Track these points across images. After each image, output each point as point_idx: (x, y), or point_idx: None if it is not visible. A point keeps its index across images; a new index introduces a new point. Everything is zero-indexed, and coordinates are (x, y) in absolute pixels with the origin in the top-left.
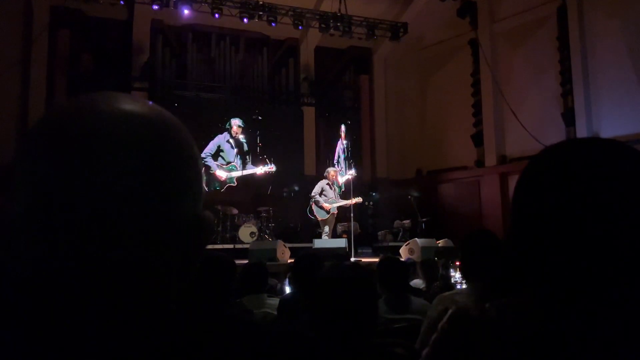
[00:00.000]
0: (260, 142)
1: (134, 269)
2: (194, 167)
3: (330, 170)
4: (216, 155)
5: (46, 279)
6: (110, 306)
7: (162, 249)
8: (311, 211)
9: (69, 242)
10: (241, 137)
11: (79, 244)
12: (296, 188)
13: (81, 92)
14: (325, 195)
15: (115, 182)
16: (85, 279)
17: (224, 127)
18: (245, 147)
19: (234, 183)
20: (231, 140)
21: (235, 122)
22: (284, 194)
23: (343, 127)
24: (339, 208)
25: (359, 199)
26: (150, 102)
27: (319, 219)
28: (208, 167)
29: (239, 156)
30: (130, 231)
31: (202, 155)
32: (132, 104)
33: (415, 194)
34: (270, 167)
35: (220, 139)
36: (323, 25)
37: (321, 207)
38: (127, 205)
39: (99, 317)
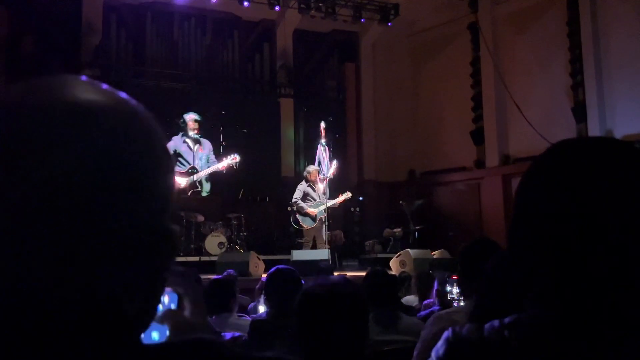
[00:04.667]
0: (223, 141)
1: (86, 291)
2: (164, 169)
3: (311, 168)
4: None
5: None
6: (60, 338)
7: (122, 266)
8: (296, 221)
9: (13, 259)
10: (192, 134)
11: (24, 260)
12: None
13: (22, 79)
14: (310, 199)
15: (66, 188)
16: (28, 302)
17: (179, 126)
18: (208, 149)
19: (207, 192)
20: (188, 140)
21: (191, 117)
22: (258, 199)
23: (323, 125)
24: (327, 211)
25: (347, 195)
26: (118, 91)
27: (306, 227)
28: None
29: (202, 157)
30: (84, 245)
31: None
32: (91, 91)
33: (420, 201)
34: (234, 158)
35: (176, 141)
36: (303, 5)
37: (306, 214)
38: (82, 214)
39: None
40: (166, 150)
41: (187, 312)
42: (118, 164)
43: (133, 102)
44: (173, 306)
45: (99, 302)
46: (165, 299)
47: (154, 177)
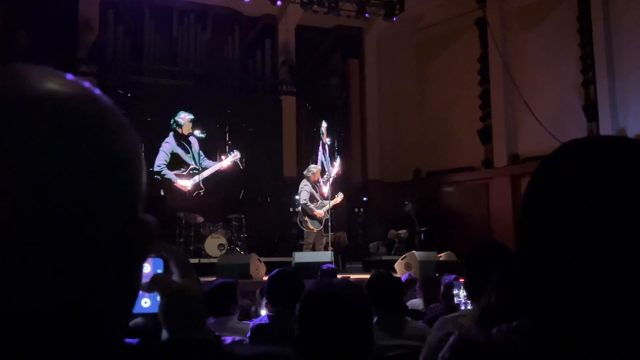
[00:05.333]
0: (229, 141)
1: (60, 286)
2: (135, 161)
3: (314, 169)
4: (175, 163)
5: None
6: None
7: (96, 260)
8: (304, 222)
9: None
10: (197, 133)
11: None
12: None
13: None
14: (314, 201)
15: (35, 180)
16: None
17: (170, 127)
18: (197, 146)
19: (202, 190)
20: (182, 141)
21: (186, 117)
22: (259, 199)
23: (324, 124)
24: (329, 212)
25: (341, 196)
26: (87, 84)
27: (314, 230)
28: (169, 180)
29: (195, 155)
30: (56, 238)
31: (156, 168)
32: (59, 83)
33: (409, 205)
34: (235, 155)
35: (172, 143)
36: (305, 0)
37: (314, 216)
38: (53, 207)
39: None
40: (136, 143)
41: (176, 277)
42: (89, 155)
43: (105, 97)
44: (160, 272)
45: (74, 298)
46: (147, 267)
47: (125, 168)
